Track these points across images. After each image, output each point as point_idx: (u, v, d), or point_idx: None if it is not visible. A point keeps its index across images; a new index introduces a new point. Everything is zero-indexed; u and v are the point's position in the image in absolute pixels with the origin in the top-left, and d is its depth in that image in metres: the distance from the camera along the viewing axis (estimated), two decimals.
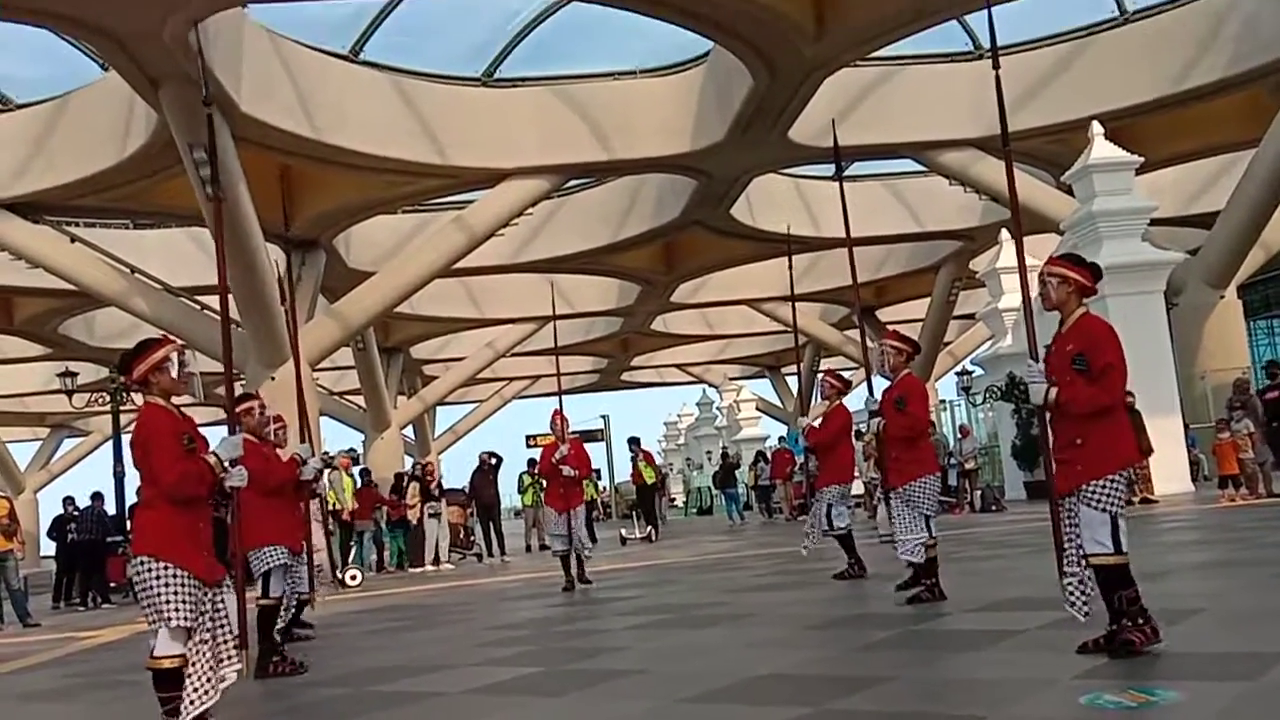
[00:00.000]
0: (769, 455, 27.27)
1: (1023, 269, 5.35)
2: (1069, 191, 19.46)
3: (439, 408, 40.08)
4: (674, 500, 42.88)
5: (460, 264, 21.24)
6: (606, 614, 9.03)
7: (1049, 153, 20.94)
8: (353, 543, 17.73)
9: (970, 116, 19.96)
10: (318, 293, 21.80)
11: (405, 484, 18.59)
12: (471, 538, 19.98)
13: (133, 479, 19.88)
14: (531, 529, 21.89)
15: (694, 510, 43.08)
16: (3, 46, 16.99)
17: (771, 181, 23.21)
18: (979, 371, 25.78)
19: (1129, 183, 18.22)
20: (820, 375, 10.53)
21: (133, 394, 21.37)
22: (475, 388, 40.39)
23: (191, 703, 4.50)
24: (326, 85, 17.65)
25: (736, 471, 28.62)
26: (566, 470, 11.20)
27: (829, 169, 23.13)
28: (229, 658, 4.68)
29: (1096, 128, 18.37)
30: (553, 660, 6.58)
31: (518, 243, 24.13)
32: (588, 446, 13.10)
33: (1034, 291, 5.29)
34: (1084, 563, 4.91)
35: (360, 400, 31.40)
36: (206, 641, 4.59)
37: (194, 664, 4.55)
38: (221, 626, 4.67)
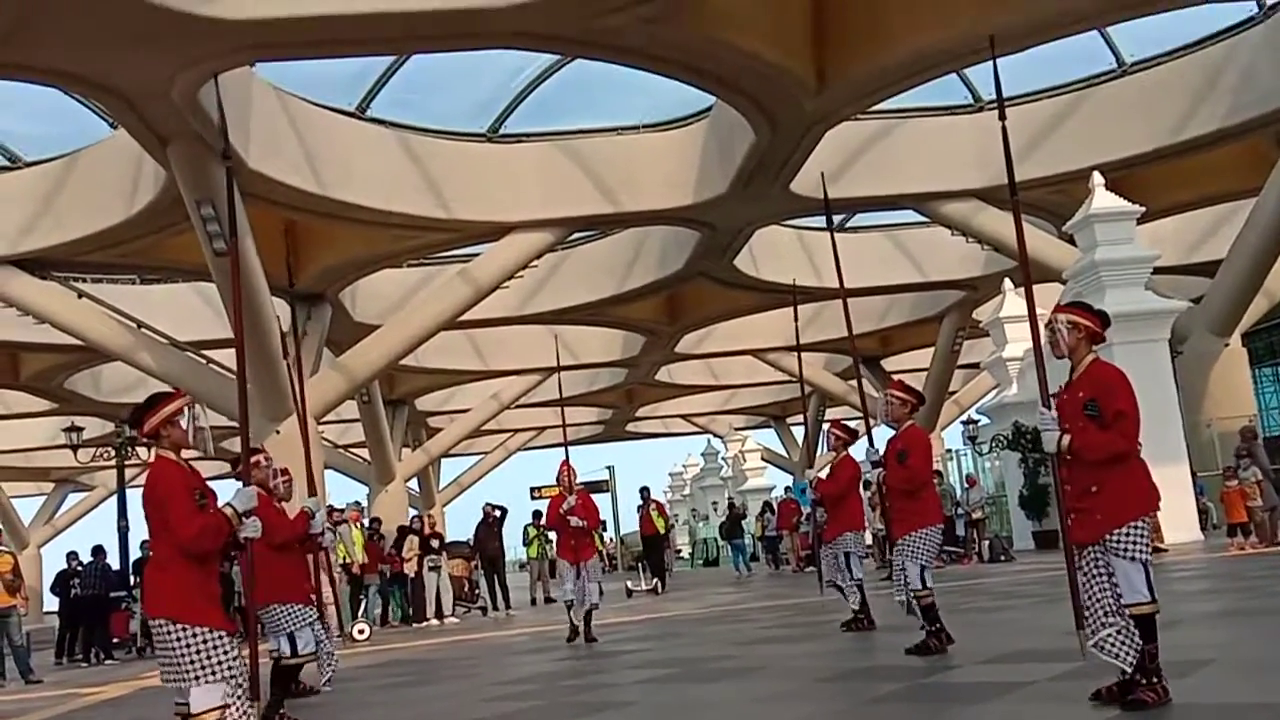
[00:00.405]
0: (775, 506, 27.19)
1: (1033, 317, 5.35)
2: (1071, 241, 19.56)
3: (444, 460, 40.02)
4: (679, 551, 42.65)
5: (465, 316, 21.33)
6: (614, 668, 8.96)
7: (1050, 203, 21.08)
8: (361, 596, 17.64)
9: (971, 168, 20.12)
10: (323, 346, 21.88)
11: (403, 538, 18.53)
12: (476, 591, 19.87)
13: (137, 534, 19.90)
14: (537, 582, 21.77)
15: (700, 561, 42.81)
16: (12, 105, 17.18)
17: (775, 233, 23.36)
18: (985, 421, 25.75)
19: (1130, 232, 18.33)
20: (826, 426, 10.55)
21: (138, 449, 21.42)
22: (480, 439, 40.36)
23: None
24: (333, 141, 17.85)
25: (743, 522, 28.52)
26: (575, 521, 11.18)
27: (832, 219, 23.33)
28: (249, 709, 4.66)
29: (1097, 178, 18.51)
30: (559, 715, 6.52)
31: (523, 295, 24.24)
32: (594, 497, 13.05)
33: (1042, 339, 5.30)
34: (1123, 613, 4.83)
35: (365, 453, 31.36)
36: (241, 687, 4.58)
37: (229, 709, 4.53)
38: (242, 679, 4.65)
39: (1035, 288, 5.68)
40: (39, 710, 10.28)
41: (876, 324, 29.85)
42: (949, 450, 30.63)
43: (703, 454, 55.73)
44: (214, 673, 4.51)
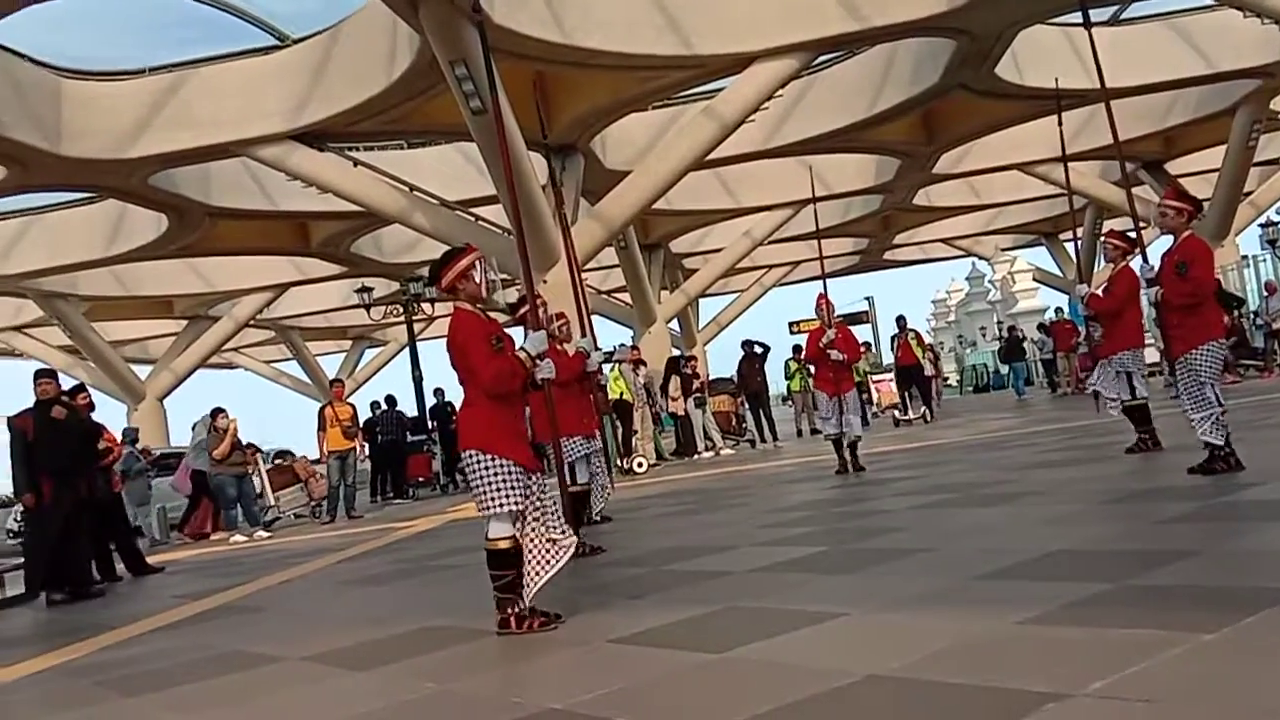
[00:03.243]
0: (1049, 327, 26.21)
1: None
2: None
3: (702, 300, 40.56)
4: (947, 379, 41.82)
5: (713, 154, 21.17)
6: (885, 494, 9.01)
7: None
8: (633, 431, 18.46)
9: None
10: (579, 196, 22.38)
11: (667, 378, 19.14)
12: (743, 425, 20.35)
13: (430, 382, 21.55)
14: (801, 414, 22.03)
15: (970, 388, 41.88)
16: None
17: (1040, 34, 21.56)
18: None
19: None
20: (1102, 237, 9.88)
21: (423, 304, 22.95)
22: (735, 277, 40.49)
23: (531, 581, 4.94)
24: None
25: (1023, 344, 27.97)
26: (834, 355, 11.16)
27: (1104, 13, 21.29)
28: (563, 534, 5.04)
29: None
30: (836, 540, 6.65)
31: (769, 127, 23.71)
32: (853, 329, 12.93)
33: None
34: None
35: (626, 297, 32.24)
36: (538, 523, 4.97)
37: (529, 547, 4.96)
38: (550, 510, 5.04)
39: None
40: (365, 541, 11.52)
41: (1159, 124, 27.29)
42: (1244, 256, 28.13)
43: (967, 278, 53.86)
44: (515, 504, 4.90)
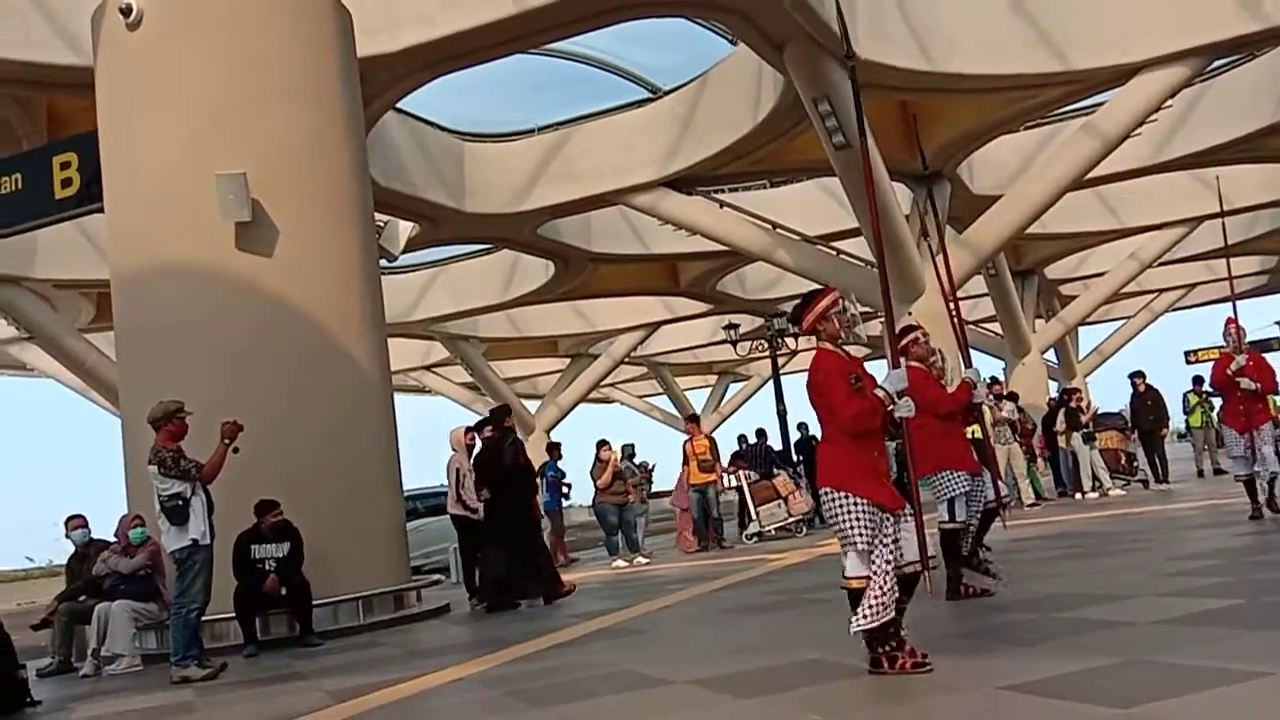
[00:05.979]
0: None
1: None
2: None
3: (1081, 328, 38.07)
4: None
5: (1092, 172, 19.90)
6: None
7: None
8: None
9: None
10: (945, 224, 21.80)
11: (1055, 412, 18.14)
12: (1135, 464, 18.85)
13: (794, 417, 21.73)
14: (1203, 451, 20.05)
15: None
16: (646, 41, 19.37)
17: None
18: None
19: None
20: None
21: (787, 339, 23.29)
22: (1120, 304, 37.67)
23: (865, 616, 4.87)
24: (937, 11, 17.47)
25: None
26: (1245, 384, 10.13)
27: None
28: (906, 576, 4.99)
29: None
30: (1255, 591, 6.01)
31: (1157, 140, 21.96)
32: (1268, 357, 11.61)
33: None
34: None
35: (996, 327, 30.91)
36: (888, 562, 4.91)
37: (873, 583, 4.89)
38: (897, 549, 4.96)
39: None
40: (738, 572, 11.80)
41: None
42: None
43: None
44: (868, 543, 4.87)
